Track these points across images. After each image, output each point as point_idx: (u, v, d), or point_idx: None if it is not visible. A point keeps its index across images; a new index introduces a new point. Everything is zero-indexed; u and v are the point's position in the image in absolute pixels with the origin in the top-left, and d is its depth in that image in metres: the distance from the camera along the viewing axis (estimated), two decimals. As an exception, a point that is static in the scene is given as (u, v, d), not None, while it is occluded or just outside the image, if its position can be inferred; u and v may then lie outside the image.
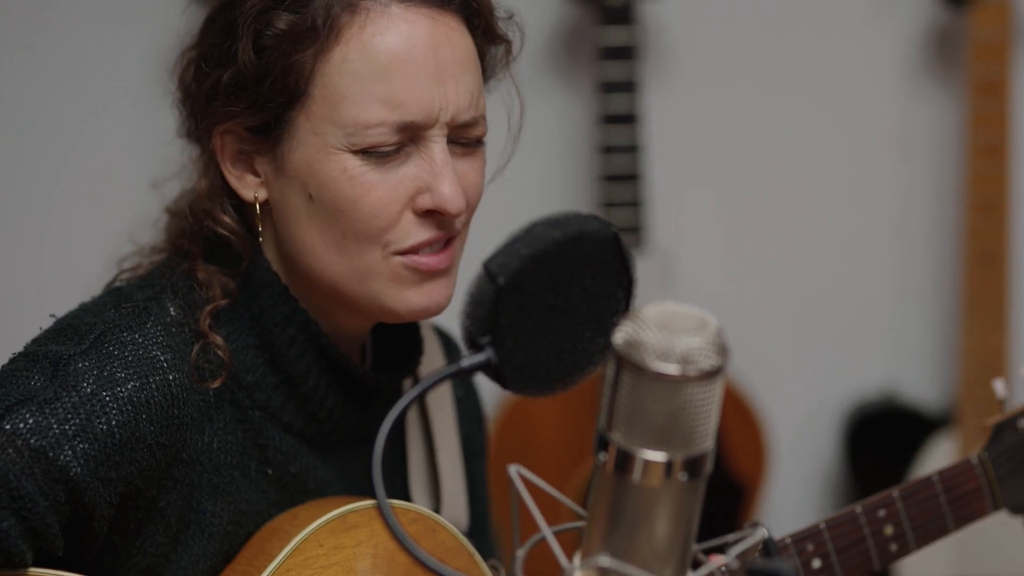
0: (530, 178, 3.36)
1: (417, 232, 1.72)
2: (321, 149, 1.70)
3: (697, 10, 3.41)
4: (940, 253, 3.51)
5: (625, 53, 3.19)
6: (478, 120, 1.74)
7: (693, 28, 3.42)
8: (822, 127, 3.50)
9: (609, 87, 3.20)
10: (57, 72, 3.19)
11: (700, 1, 3.41)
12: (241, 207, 1.79)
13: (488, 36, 1.79)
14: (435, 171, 1.70)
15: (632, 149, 3.20)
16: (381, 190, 1.70)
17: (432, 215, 1.72)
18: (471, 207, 1.77)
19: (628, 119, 3.19)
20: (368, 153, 1.69)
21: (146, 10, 3.18)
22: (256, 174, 1.76)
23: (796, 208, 3.52)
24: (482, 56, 1.79)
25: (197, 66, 1.76)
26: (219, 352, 1.73)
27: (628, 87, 3.19)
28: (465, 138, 1.74)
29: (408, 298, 1.74)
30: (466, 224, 1.78)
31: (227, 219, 1.77)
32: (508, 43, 1.83)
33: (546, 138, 3.37)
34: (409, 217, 1.71)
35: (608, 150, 3.21)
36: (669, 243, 3.32)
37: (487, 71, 1.82)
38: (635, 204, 3.21)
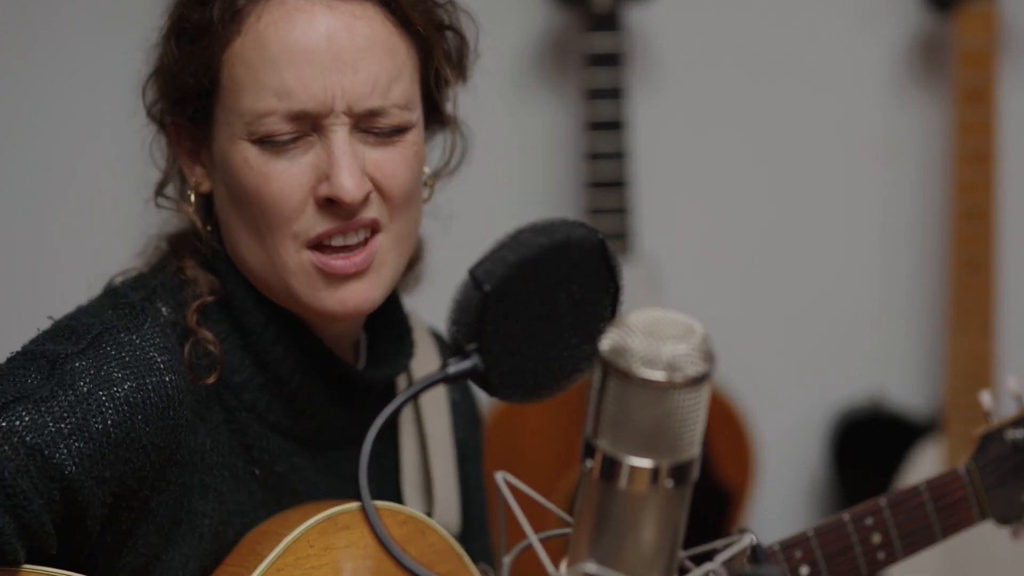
0: (516, 184, 3.36)
1: (321, 221, 1.72)
2: (229, 139, 1.72)
3: (683, 17, 3.41)
4: (926, 260, 3.52)
5: (611, 60, 3.20)
6: (387, 109, 1.72)
7: (679, 35, 3.43)
8: (808, 134, 3.50)
9: (595, 93, 3.20)
10: (52, 75, 3.19)
11: (687, 8, 3.41)
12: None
13: (413, 23, 1.76)
14: (332, 160, 1.70)
15: (618, 156, 3.20)
16: (281, 179, 1.70)
17: (333, 204, 1.71)
18: (393, 199, 1.75)
19: (614, 126, 3.20)
20: (265, 142, 1.70)
21: (137, 14, 3.18)
22: (203, 165, 1.79)
23: (782, 215, 3.52)
24: (425, 46, 1.77)
25: (150, 64, 1.81)
26: (210, 347, 1.73)
27: (614, 94, 3.19)
28: (377, 127, 1.73)
29: (322, 299, 1.74)
30: (399, 216, 1.76)
31: (188, 208, 1.80)
32: (457, 37, 1.82)
33: (532, 144, 3.37)
34: (312, 207, 1.72)
35: (594, 157, 3.21)
36: (655, 250, 3.32)
37: (434, 62, 1.79)
38: (621, 211, 3.21)
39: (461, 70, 1.84)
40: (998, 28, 3.31)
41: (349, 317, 1.76)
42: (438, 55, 1.79)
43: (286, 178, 1.70)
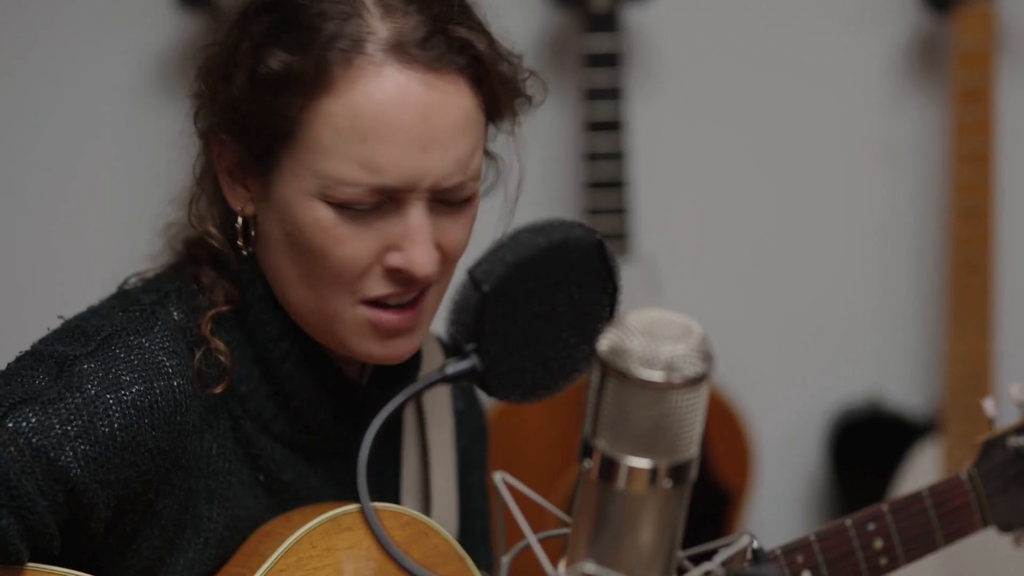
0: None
1: (383, 285, 1.69)
2: (298, 192, 1.67)
3: (682, 18, 3.41)
4: (925, 260, 3.52)
5: (610, 60, 3.20)
6: (465, 184, 1.69)
7: (678, 35, 3.43)
8: (807, 134, 3.50)
9: (594, 94, 3.20)
10: (52, 77, 3.19)
11: (685, 9, 3.41)
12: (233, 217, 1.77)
13: (496, 95, 1.72)
14: (408, 234, 1.66)
15: (617, 156, 3.20)
16: (352, 244, 1.66)
17: (399, 272, 1.68)
18: (451, 260, 1.72)
19: (613, 126, 3.20)
20: (342, 208, 1.65)
21: (135, 15, 3.18)
22: (247, 189, 1.73)
23: (781, 215, 3.52)
24: (492, 110, 1.74)
25: (203, 74, 1.74)
26: (221, 357, 1.72)
27: (613, 94, 3.19)
28: (451, 198, 1.69)
29: (370, 348, 1.72)
30: (446, 274, 1.74)
31: (213, 228, 1.76)
32: (523, 99, 1.79)
33: (531, 145, 3.37)
34: (378, 270, 1.68)
35: (593, 157, 3.21)
36: (654, 250, 3.32)
37: (496, 123, 1.77)
38: (620, 211, 3.21)
39: (515, 122, 1.81)
40: (996, 28, 3.31)
41: (390, 363, 1.75)
42: (503, 118, 1.77)
43: (357, 243, 1.66)
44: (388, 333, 1.71)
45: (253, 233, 1.75)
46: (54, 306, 1.79)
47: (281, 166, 1.68)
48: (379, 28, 1.65)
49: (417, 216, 1.66)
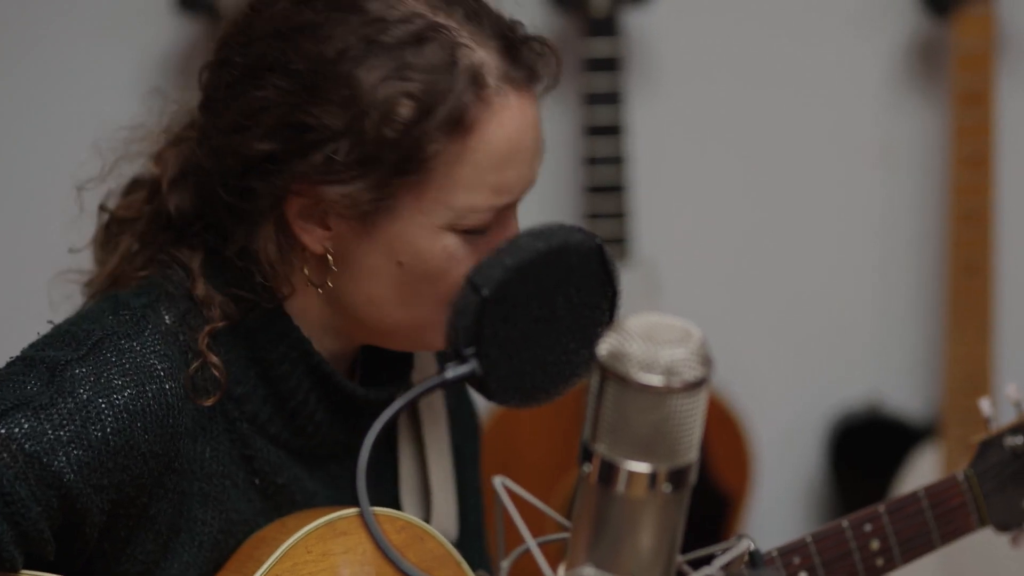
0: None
1: None
2: (424, 226, 1.66)
3: (682, 22, 3.41)
4: (924, 263, 3.52)
5: (610, 64, 3.20)
6: None
7: (678, 40, 3.43)
8: (806, 138, 3.50)
9: (594, 98, 3.20)
10: (52, 81, 3.19)
11: (685, 13, 3.41)
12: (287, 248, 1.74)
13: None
14: (510, 236, 1.68)
15: (617, 161, 3.20)
16: (468, 262, 1.67)
17: None
18: None
19: (613, 131, 3.20)
20: (468, 232, 1.67)
21: (134, 20, 3.18)
22: (327, 228, 1.70)
23: (780, 219, 3.52)
24: None
25: (290, 126, 1.66)
26: (215, 372, 1.72)
27: (613, 98, 3.19)
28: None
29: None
30: None
31: (301, 270, 1.73)
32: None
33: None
34: None
35: (592, 161, 3.21)
36: (654, 255, 3.32)
37: None
38: (620, 216, 3.21)
39: None
40: (996, 31, 3.31)
41: None
42: None
43: (471, 260, 1.67)
44: None
45: (334, 268, 1.72)
46: (52, 308, 1.79)
47: (398, 204, 1.66)
48: (484, 57, 1.67)
49: (516, 224, 1.72)
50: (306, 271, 1.72)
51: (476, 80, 1.65)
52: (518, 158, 1.67)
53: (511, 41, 1.69)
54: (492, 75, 1.66)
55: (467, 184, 1.65)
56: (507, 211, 1.70)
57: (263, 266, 1.72)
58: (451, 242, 1.67)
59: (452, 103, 1.63)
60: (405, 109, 1.62)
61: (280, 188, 1.67)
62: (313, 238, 1.70)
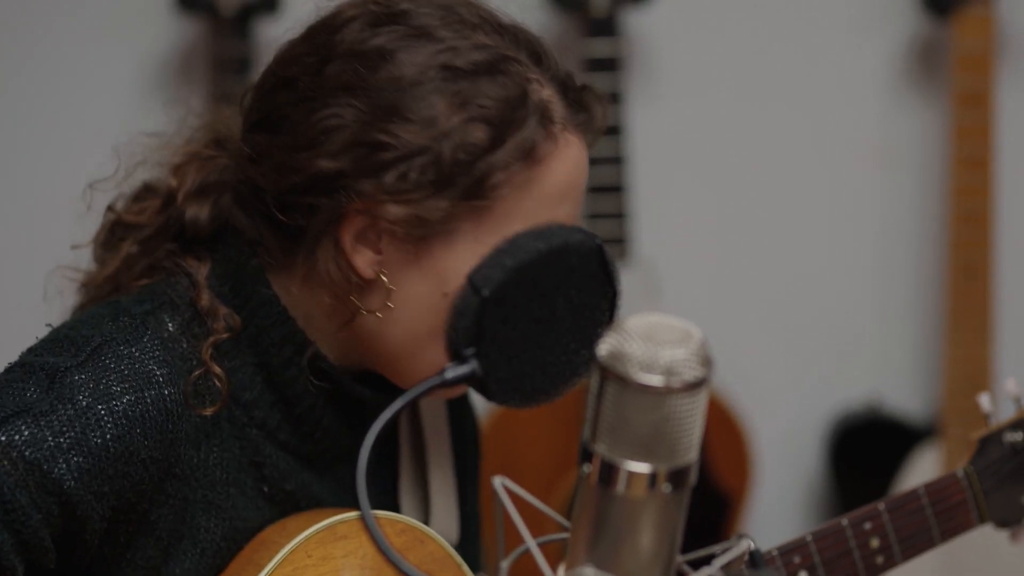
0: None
1: None
2: (478, 256, 1.64)
3: (682, 22, 3.41)
4: (924, 265, 3.52)
5: (609, 65, 3.20)
6: None
7: (677, 40, 3.43)
8: (806, 139, 3.50)
9: (593, 99, 3.20)
10: (51, 81, 3.19)
11: (684, 13, 3.41)
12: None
13: None
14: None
15: (616, 161, 3.20)
16: None
17: None
18: None
19: (612, 131, 3.20)
20: None
21: (134, 20, 3.19)
22: (378, 252, 1.69)
23: (780, 220, 3.52)
24: None
25: (366, 148, 1.66)
26: (218, 383, 1.71)
27: (612, 98, 3.19)
28: None
29: (437, 392, 1.71)
30: None
31: (351, 291, 1.71)
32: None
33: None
34: None
35: (592, 162, 3.19)
36: (653, 255, 3.33)
37: None
38: (619, 216, 3.21)
39: None
40: (996, 32, 3.31)
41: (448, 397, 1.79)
42: None
43: None
44: None
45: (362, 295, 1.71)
46: (52, 313, 1.79)
47: (456, 232, 1.65)
48: (550, 95, 1.69)
49: None
50: (352, 298, 1.71)
51: (545, 115, 1.66)
52: (572, 196, 1.68)
53: (569, 86, 1.72)
54: (558, 112, 1.68)
55: (527, 217, 1.65)
56: None
57: (324, 288, 1.71)
58: None
59: (525, 134, 1.65)
60: (481, 133, 1.63)
61: (344, 207, 1.66)
62: (365, 261, 1.68)
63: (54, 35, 3.19)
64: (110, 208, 1.87)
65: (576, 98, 1.72)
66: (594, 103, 1.74)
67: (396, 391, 1.82)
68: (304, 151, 1.68)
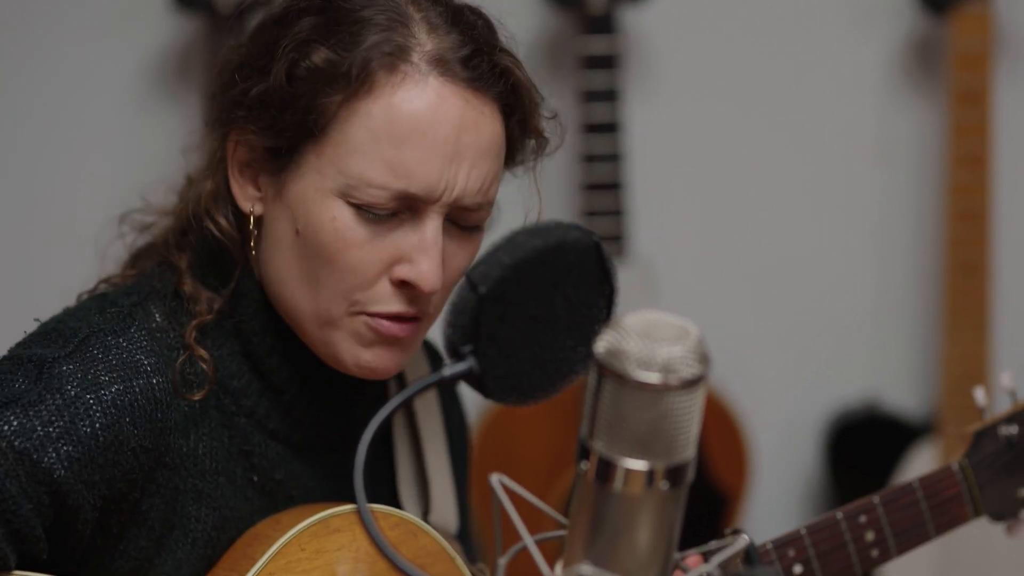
0: (512, 186, 3.36)
1: (388, 301, 1.70)
2: (320, 190, 1.68)
3: (679, 20, 3.41)
4: (921, 262, 3.52)
5: (607, 62, 3.20)
6: (483, 206, 1.72)
7: (675, 37, 3.43)
8: (803, 136, 3.50)
9: (591, 96, 3.20)
10: (49, 79, 3.19)
11: (682, 11, 3.41)
12: (239, 216, 1.78)
13: (523, 129, 1.77)
14: (421, 246, 1.68)
15: (614, 158, 3.20)
16: (364, 250, 1.68)
17: (405, 286, 1.70)
18: (447, 288, 1.74)
19: (610, 128, 3.20)
20: (361, 210, 1.67)
21: (132, 17, 3.18)
22: (258, 188, 1.74)
23: (778, 217, 3.52)
24: (512, 144, 1.77)
25: (233, 68, 1.75)
26: (204, 365, 1.73)
27: (610, 96, 3.20)
28: (464, 221, 1.72)
29: (359, 355, 1.72)
30: (439, 306, 1.75)
31: (225, 224, 1.76)
32: (543, 139, 1.81)
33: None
34: (385, 283, 1.70)
35: (590, 159, 3.21)
36: (651, 252, 3.33)
37: (514, 159, 1.80)
38: (617, 213, 3.21)
39: (524, 165, 1.84)
40: (993, 30, 3.31)
41: (375, 377, 1.75)
42: (520, 154, 1.80)
43: (369, 249, 1.68)
44: (383, 340, 1.72)
45: (255, 232, 1.76)
46: (53, 306, 1.79)
47: (303, 162, 1.70)
48: (425, 41, 1.69)
49: (433, 229, 1.69)
50: (252, 241, 1.76)
51: (400, 51, 1.67)
52: (423, 143, 1.66)
53: (480, 51, 1.71)
54: (421, 56, 1.68)
55: (362, 150, 1.66)
56: (421, 213, 1.69)
57: (224, 237, 1.76)
58: (341, 214, 1.68)
59: (359, 61, 1.66)
60: (316, 57, 1.67)
61: (228, 136, 1.75)
62: (245, 196, 1.75)
63: (52, 32, 3.19)
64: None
65: (478, 61, 1.70)
66: (502, 73, 1.72)
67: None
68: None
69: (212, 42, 3.14)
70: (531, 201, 1.83)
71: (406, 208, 1.68)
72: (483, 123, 1.70)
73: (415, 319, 1.73)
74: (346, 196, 1.67)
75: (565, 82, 3.34)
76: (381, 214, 1.67)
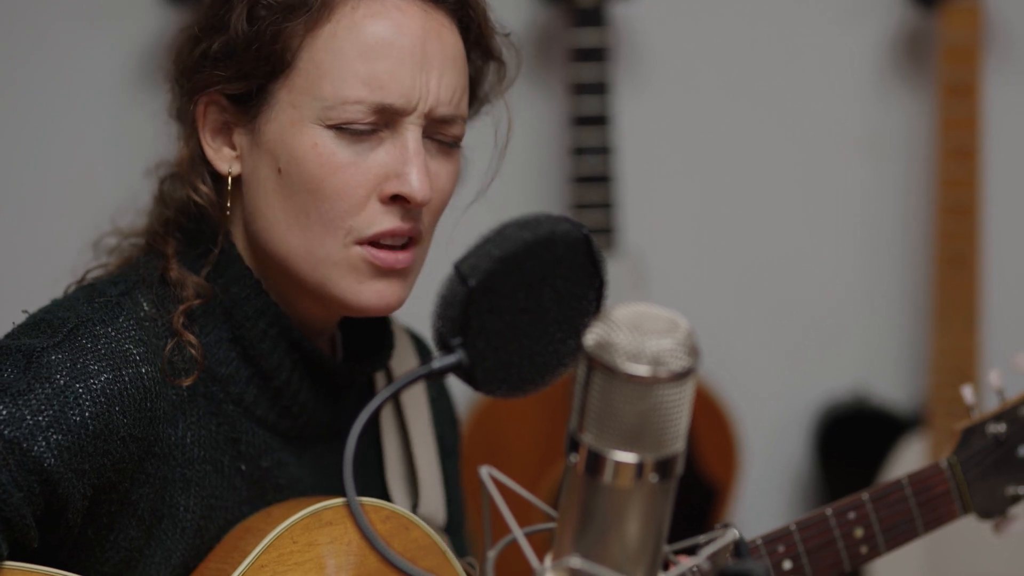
0: (501, 179, 3.36)
1: (381, 219, 1.72)
2: (297, 122, 1.71)
3: (669, 12, 3.41)
4: (911, 256, 3.52)
5: (597, 55, 3.20)
6: (456, 119, 1.76)
7: (664, 30, 3.43)
8: (793, 129, 3.50)
9: (581, 89, 3.20)
10: (31, 73, 3.19)
11: (672, 4, 3.41)
12: (218, 183, 1.79)
13: (480, 46, 1.81)
14: (406, 158, 1.71)
15: (604, 151, 3.20)
16: (349, 171, 1.71)
17: (397, 202, 1.72)
18: (435, 210, 1.77)
19: (600, 121, 3.20)
20: (342, 129, 1.70)
21: (120, 10, 3.18)
22: (233, 147, 1.77)
23: (767, 210, 3.53)
24: (476, 70, 1.82)
25: (191, 35, 1.77)
26: (192, 350, 1.73)
27: (600, 89, 3.20)
28: (441, 135, 1.76)
29: (360, 291, 1.74)
30: (430, 229, 1.78)
31: (204, 188, 1.78)
32: (501, 62, 1.85)
33: (517, 140, 3.36)
34: (375, 204, 1.72)
35: (580, 152, 3.21)
36: (640, 245, 3.33)
37: (478, 89, 1.84)
38: (606, 206, 3.21)
39: (489, 101, 1.89)
40: (983, 23, 3.31)
41: (379, 313, 1.77)
42: (484, 83, 1.85)
43: (354, 171, 1.71)
44: (381, 272, 1.73)
45: (233, 192, 1.78)
46: (44, 297, 1.79)
47: (275, 102, 1.73)
48: None
49: (413, 140, 1.72)
50: (228, 203, 1.78)
51: None
52: (391, 54, 1.70)
53: None
54: None
55: (332, 72, 1.70)
56: (400, 128, 1.72)
57: (204, 203, 1.79)
58: (322, 139, 1.70)
59: None
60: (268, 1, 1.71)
61: (190, 96, 1.77)
62: (221, 158, 1.78)
63: (41, 24, 3.18)
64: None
65: None
66: (475, 5, 1.79)
67: (369, 362, 1.83)
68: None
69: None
70: (501, 120, 1.89)
71: (384, 125, 1.72)
72: (444, 33, 1.74)
73: (410, 244, 1.75)
74: (324, 120, 1.70)
75: (555, 75, 3.34)
76: (362, 129, 1.71)
